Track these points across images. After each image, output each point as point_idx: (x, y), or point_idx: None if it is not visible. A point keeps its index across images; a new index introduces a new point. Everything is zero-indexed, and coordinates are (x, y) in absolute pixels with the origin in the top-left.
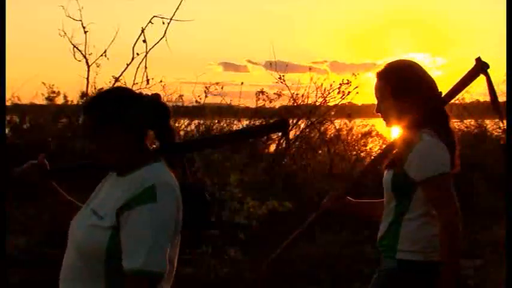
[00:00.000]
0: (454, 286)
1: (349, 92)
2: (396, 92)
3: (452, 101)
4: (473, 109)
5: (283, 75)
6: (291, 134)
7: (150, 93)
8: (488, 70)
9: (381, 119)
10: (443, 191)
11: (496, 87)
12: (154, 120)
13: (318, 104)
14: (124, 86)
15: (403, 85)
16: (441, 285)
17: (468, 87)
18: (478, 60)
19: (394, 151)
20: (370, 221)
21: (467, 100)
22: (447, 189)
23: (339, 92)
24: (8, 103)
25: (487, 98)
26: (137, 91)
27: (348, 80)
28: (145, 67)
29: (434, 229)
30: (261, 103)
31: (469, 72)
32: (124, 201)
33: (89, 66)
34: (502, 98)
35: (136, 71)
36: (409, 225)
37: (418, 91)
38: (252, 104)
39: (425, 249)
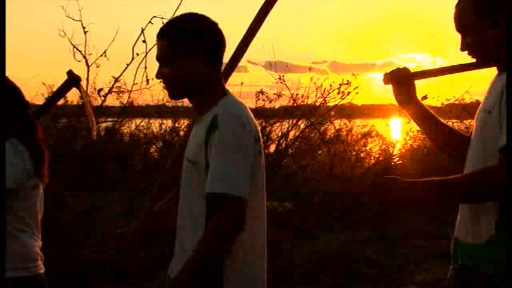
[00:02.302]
0: None
1: (349, 92)
2: None
3: (452, 101)
4: (473, 109)
5: (283, 76)
6: (291, 134)
7: None
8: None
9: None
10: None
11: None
12: None
13: (317, 104)
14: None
15: None
16: None
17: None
18: (69, 73)
19: None
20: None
21: (467, 100)
22: None
23: (338, 93)
24: None
25: None
26: (137, 91)
27: (347, 80)
28: (145, 67)
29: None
30: (260, 103)
31: (61, 85)
32: None
33: (88, 67)
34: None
35: (136, 71)
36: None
37: (8, 101)
38: (251, 104)
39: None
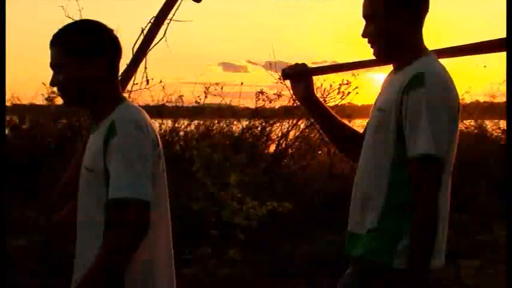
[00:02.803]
0: None
1: (349, 93)
2: None
3: None
4: (473, 109)
5: None
6: (291, 134)
7: None
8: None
9: None
10: None
11: (496, 88)
12: None
13: None
14: None
15: None
16: None
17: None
18: None
19: None
20: None
21: (467, 101)
22: None
23: (338, 93)
24: (7, 103)
25: (487, 99)
26: (137, 92)
27: (347, 81)
28: (145, 67)
29: None
30: (260, 103)
31: None
32: None
33: None
34: (502, 98)
35: (136, 71)
36: None
37: None
38: (251, 104)
39: None
